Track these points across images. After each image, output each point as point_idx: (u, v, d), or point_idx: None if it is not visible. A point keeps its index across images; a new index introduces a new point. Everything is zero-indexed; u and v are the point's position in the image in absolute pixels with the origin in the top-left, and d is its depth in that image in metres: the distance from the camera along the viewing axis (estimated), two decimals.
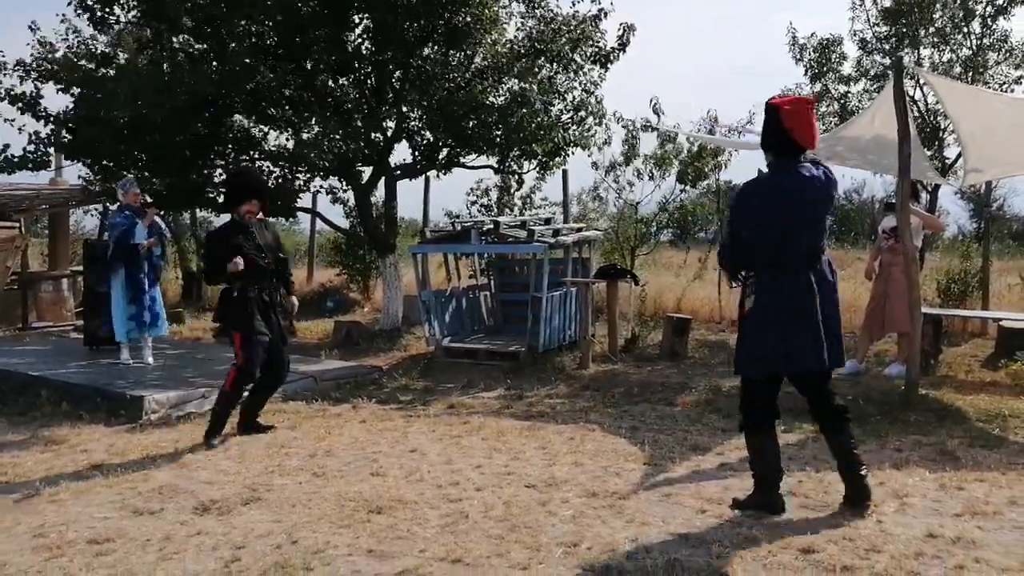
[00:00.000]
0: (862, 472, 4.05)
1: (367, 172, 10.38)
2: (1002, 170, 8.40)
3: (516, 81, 9.71)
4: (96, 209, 11.30)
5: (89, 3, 9.08)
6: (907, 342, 6.67)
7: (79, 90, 9.13)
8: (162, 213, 9.41)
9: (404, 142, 10.20)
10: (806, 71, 12.27)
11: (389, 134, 9.92)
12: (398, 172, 10.50)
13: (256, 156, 10.01)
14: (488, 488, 4.52)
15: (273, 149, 10.07)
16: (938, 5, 11.33)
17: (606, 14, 9.69)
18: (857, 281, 10.19)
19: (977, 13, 11.39)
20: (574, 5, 9.80)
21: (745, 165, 55.18)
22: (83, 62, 9.61)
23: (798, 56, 12.25)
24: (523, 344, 8.50)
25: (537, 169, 10.70)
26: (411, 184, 11.68)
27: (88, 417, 6.24)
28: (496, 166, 10.63)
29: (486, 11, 9.19)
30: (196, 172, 9.56)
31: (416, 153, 10.30)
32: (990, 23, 11.41)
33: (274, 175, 10.12)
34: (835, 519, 3.94)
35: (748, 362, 4.04)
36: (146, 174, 9.30)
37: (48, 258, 13.20)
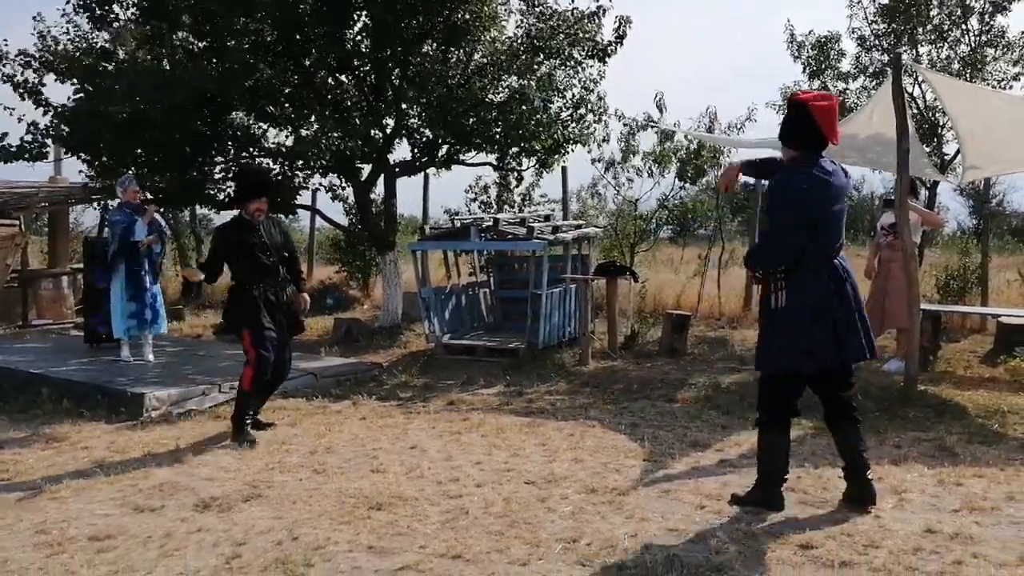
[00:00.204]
0: (868, 475, 4.05)
1: (366, 169, 10.37)
2: (1000, 167, 8.40)
3: (515, 78, 9.71)
4: (95, 205, 11.26)
5: (88, 1, 9.07)
6: (906, 338, 6.69)
7: (79, 84, 9.11)
8: (161, 210, 9.40)
9: (403, 139, 10.21)
10: (804, 68, 12.27)
11: (388, 131, 9.92)
12: (397, 169, 10.50)
13: (256, 153, 10.01)
14: (488, 484, 4.53)
15: (272, 146, 10.06)
16: (935, 2, 11.32)
17: (604, 11, 9.69)
18: (857, 278, 10.16)
19: (975, 10, 11.40)
20: (573, 1, 9.82)
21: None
22: (82, 56, 9.59)
23: (796, 54, 12.25)
24: (523, 341, 8.51)
25: (536, 166, 10.71)
26: (410, 181, 11.68)
27: (89, 414, 6.24)
28: (495, 163, 10.64)
29: (485, 8, 9.20)
30: (196, 169, 9.54)
31: (415, 150, 10.30)
32: (988, 19, 11.43)
33: (274, 172, 10.11)
34: (834, 515, 3.96)
35: (791, 357, 3.89)
36: (146, 171, 9.28)
37: (48, 255, 13.19)
